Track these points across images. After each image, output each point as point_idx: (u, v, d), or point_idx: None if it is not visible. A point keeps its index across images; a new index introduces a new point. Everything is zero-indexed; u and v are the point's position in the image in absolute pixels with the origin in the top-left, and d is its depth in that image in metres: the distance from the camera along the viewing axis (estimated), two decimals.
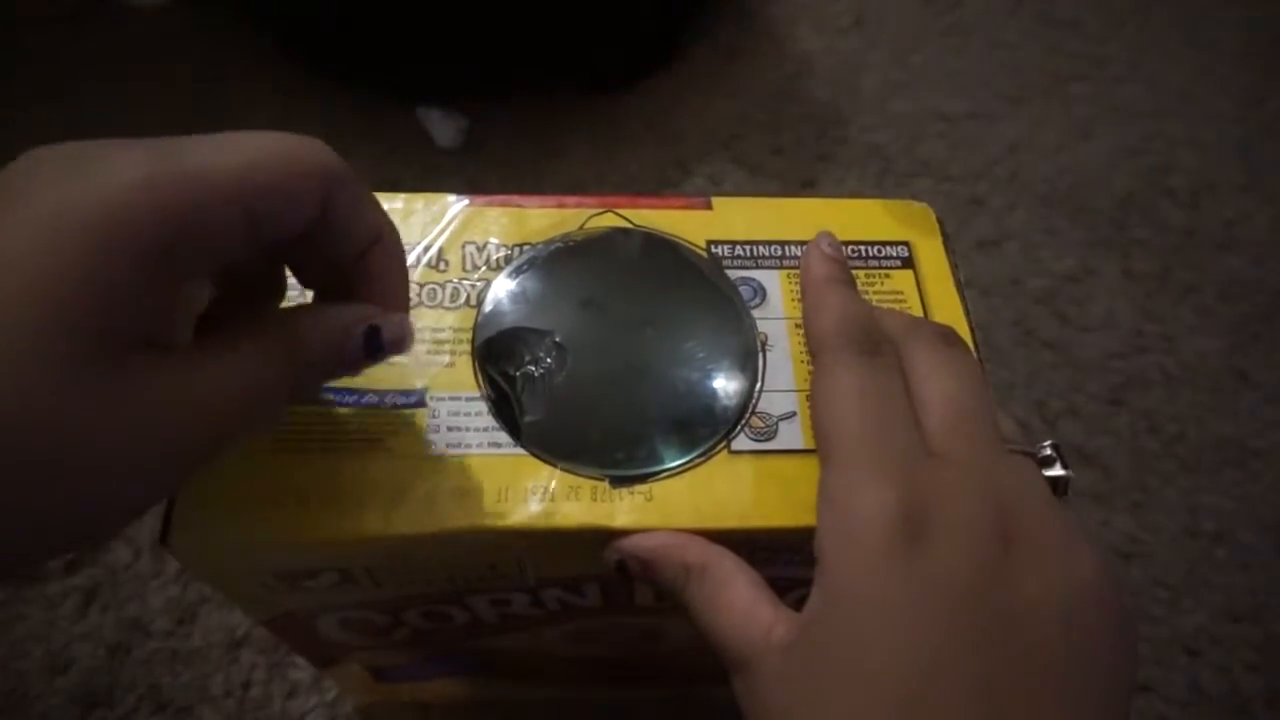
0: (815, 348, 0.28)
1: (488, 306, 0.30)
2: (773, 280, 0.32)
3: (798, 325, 0.31)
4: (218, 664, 0.49)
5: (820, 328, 0.28)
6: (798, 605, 0.24)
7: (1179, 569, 0.55)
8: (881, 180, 0.72)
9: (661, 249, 0.33)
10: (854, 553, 0.23)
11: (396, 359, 0.28)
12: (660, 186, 0.71)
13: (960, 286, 0.33)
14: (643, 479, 0.28)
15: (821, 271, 0.30)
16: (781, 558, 0.29)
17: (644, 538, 0.27)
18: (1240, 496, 0.58)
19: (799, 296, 0.31)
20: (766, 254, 0.33)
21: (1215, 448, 0.60)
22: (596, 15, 0.70)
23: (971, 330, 0.32)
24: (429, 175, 0.69)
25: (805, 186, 0.72)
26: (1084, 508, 0.57)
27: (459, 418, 0.28)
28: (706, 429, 0.29)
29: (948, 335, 0.28)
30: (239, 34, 0.77)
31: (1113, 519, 0.56)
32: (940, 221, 0.35)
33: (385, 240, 0.25)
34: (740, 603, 0.25)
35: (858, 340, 0.27)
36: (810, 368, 0.30)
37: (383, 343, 0.25)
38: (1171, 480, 0.58)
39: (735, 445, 0.28)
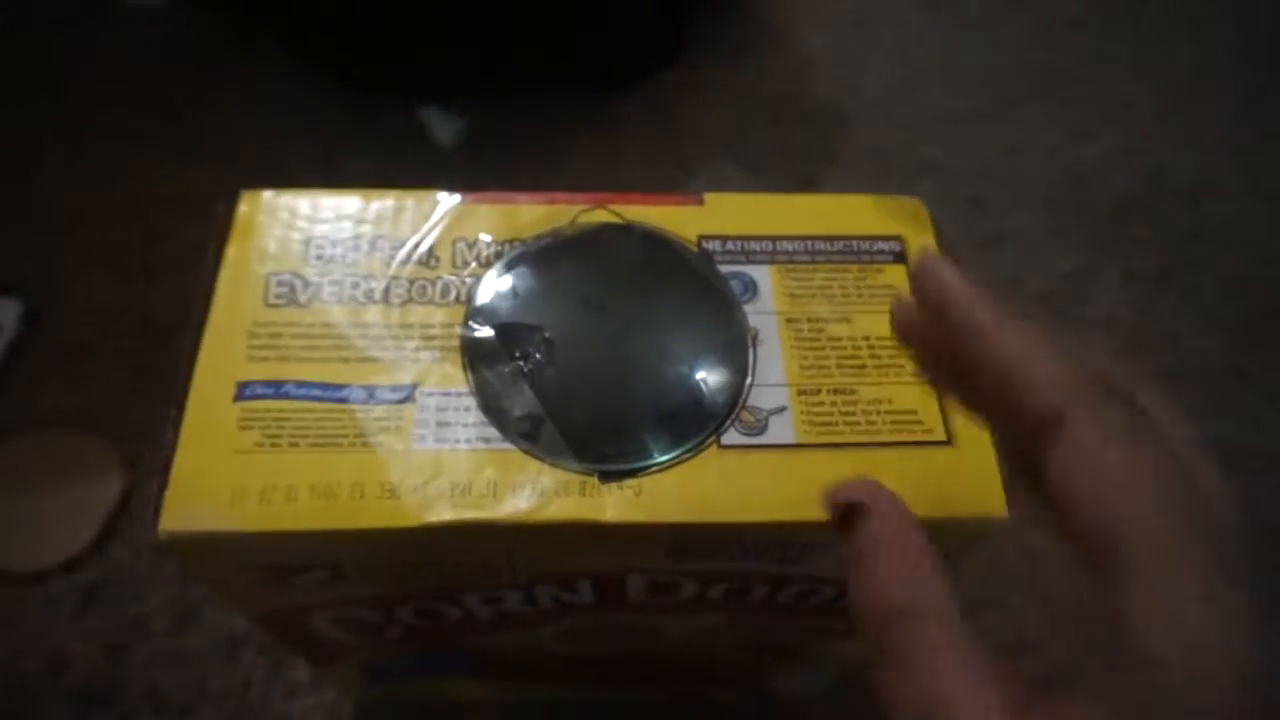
0: (1062, 403, 0.19)
1: (477, 302, 0.31)
2: (764, 275, 0.32)
3: (789, 320, 0.31)
4: (217, 664, 0.49)
5: (1056, 377, 0.19)
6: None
7: None
8: (882, 180, 0.72)
9: (652, 244, 0.33)
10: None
11: (381, 354, 0.28)
12: (661, 188, 0.71)
13: None
14: (632, 474, 0.27)
15: (975, 292, 0.21)
16: (772, 554, 0.29)
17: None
18: (1240, 496, 0.57)
19: (790, 291, 0.31)
20: (758, 249, 0.33)
21: (1215, 448, 0.59)
22: (603, 13, 0.70)
23: None
24: (429, 175, 0.69)
25: (806, 187, 0.72)
26: None
27: (448, 413, 0.28)
28: (696, 423, 0.28)
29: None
30: (239, 34, 0.77)
31: None
32: (933, 216, 0.34)
33: None
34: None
35: (1110, 392, 0.19)
36: (805, 363, 0.30)
37: None
38: None
39: (725, 440, 0.28)
